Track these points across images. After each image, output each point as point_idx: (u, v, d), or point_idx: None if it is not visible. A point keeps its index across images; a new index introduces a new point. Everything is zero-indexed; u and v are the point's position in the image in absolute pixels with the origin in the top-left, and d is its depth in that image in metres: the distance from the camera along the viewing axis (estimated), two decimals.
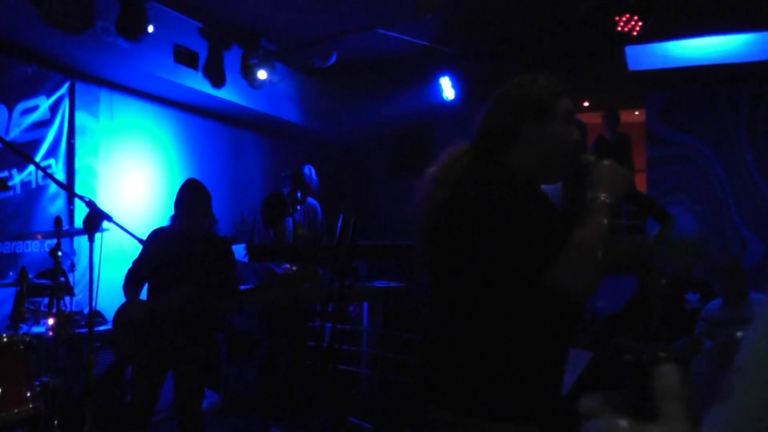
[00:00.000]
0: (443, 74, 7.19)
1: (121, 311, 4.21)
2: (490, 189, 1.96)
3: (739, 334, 4.87)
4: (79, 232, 3.90)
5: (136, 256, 4.37)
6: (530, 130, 2.07)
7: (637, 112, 9.91)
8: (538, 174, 2.08)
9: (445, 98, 7.27)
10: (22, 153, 4.33)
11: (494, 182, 1.97)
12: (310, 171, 5.89)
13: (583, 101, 9.63)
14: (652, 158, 8.51)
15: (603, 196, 1.89)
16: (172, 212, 4.33)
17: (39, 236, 4.19)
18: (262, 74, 6.68)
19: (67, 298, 4.57)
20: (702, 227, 8.15)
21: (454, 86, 7.22)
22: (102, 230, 3.56)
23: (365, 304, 6.37)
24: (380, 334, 6.73)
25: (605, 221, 1.85)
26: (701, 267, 7.17)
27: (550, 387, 2.03)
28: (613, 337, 5.57)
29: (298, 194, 5.80)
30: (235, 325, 6.77)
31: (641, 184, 8.27)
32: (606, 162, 1.98)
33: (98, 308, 5.51)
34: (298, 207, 5.89)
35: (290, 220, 5.84)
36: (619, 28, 5.27)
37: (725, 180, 8.12)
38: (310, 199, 6.10)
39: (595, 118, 10.05)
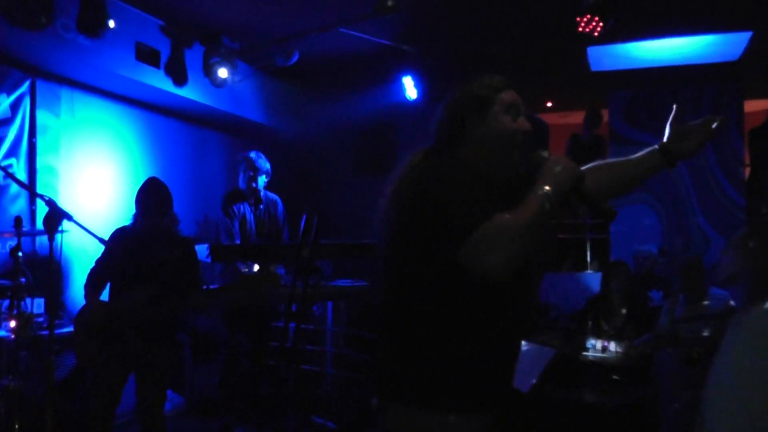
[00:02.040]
0: (406, 74, 7.20)
1: (82, 313, 4.17)
2: (423, 176, 2.02)
3: (706, 333, 4.97)
4: (40, 232, 3.85)
5: (98, 256, 4.32)
6: (474, 126, 2.13)
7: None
8: (489, 168, 2.12)
9: (408, 98, 7.28)
10: None
11: (426, 171, 2.04)
12: (257, 154, 5.86)
13: (547, 102, 9.71)
14: (614, 157, 8.60)
15: (543, 188, 1.89)
16: (134, 211, 4.29)
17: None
18: (223, 72, 6.63)
19: (29, 300, 4.51)
20: (665, 225, 8.27)
21: (416, 86, 7.23)
22: (62, 231, 3.52)
23: (329, 304, 6.36)
24: (344, 333, 6.73)
25: (535, 210, 1.85)
26: (664, 265, 7.28)
27: (491, 377, 2.05)
28: (576, 335, 5.63)
29: (250, 174, 5.75)
30: (200, 326, 6.72)
31: None
32: (553, 156, 2.02)
33: (68, 310, 5.46)
34: (257, 194, 5.84)
35: (251, 215, 5.81)
36: (581, 29, 5.31)
37: (688, 178, 8.23)
38: (269, 193, 6.07)
39: (559, 119, 10.15)
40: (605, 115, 8.98)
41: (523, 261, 1.85)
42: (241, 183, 5.80)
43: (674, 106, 2.32)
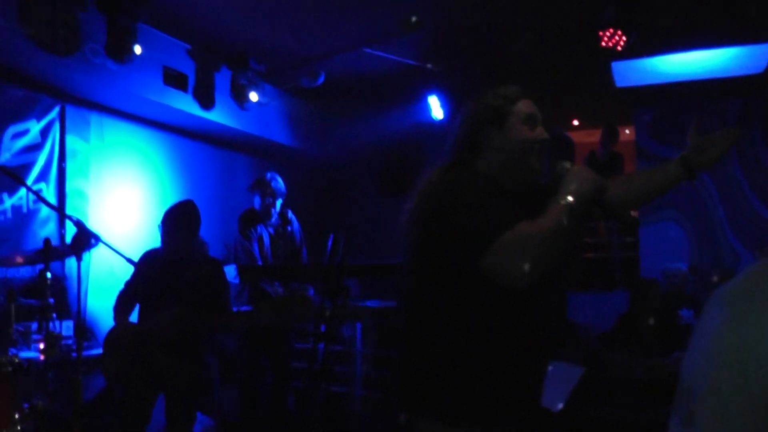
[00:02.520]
0: (431, 93, 7.21)
1: (111, 334, 4.20)
2: (442, 188, 2.05)
3: None
4: (68, 253, 3.89)
5: (128, 277, 4.35)
6: (492, 137, 2.15)
7: (627, 131, 9.97)
8: (509, 179, 2.15)
9: (433, 117, 7.28)
10: (13, 175, 4.33)
11: (447, 184, 2.06)
12: (272, 175, 5.84)
13: (573, 120, 9.68)
14: None
15: (565, 198, 1.91)
16: (161, 232, 4.32)
17: (20, 259, 4.17)
18: (253, 96, 6.71)
19: (59, 323, 4.55)
20: (694, 242, 8.18)
21: (442, 105, 7.23)
22: (91, 247, 3.55)
23: (358, 325, 6.34)
24: (373, 354, 6.69)
25: (558, 219, 1.86)
26: (694, 283, 7.19)
27: (517, 390, 2.05)
28: (606, 354, 5.56)
29: (268, 200, 5.73)
30: (228, 347, 6.73)
31: None
32: (576, 166, 2.03)
33: (94, 332, 5.50)
34: (273, 216, 5.80)
35: (267, 236, 5.77)
36: (604, 44, 5.30)
37: (716, 194, 8.15)
38: (286, 211, 6.01)
39: (585, 137, 10.10)
40: (632, 132, 8.94)
41: (545, 270, 1.85)
42: (257, 205, 5.76)
43: (694, 119, 2.32)
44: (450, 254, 1.96)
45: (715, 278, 5.48)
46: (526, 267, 1.80)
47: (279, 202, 5.77)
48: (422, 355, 2.06)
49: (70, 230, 3.67)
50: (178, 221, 4.28)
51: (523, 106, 2.16)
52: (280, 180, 5.78)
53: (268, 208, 5.69)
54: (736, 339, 1.00)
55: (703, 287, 7.57)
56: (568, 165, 2.04)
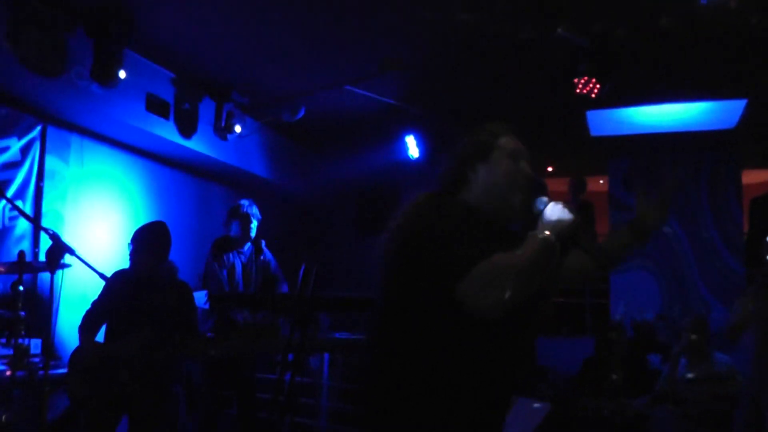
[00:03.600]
0: (408, 132, 7.31)
1: (77, 354, 4.17)
2: (421, 214, 2.04)
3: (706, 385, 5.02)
4: (42, 267, 3.89)
5: (95, 297, 4.34)
6: (476, 172, 2.18)
7: (601, 181, 10.12)
8: (491, 212, 2.16)
9: (410, 156, 7.37)
10: None
11: (427, 209, 2.06)
12: (250, 202, 5.82)
13: (548, 166, 9.82)
14: (615, 224, 8.67)
15: (543, 232, 1.94)
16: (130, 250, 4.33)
17: (1, 269, 4.16)
18: (236, 128, 6.79)
19: (27, 340, 4.51)
20: (665, 292, 8.28)
21: (419, 144, 7.33)
22: (64, 266, 3.56)
23: (326, 357, 6.33)
24: (340, 388, 6.68)
25: (534, 252, 1.89)
26: (662, 329, 7.27)
27: (485, 425, 2.06)
28: (574, 397, 5.59)
29: (246, 225, 5.71)
30: (194, 378, 6.68)
31: None
32: (553, 202, 2.06)
33: (59, 351, 5.45)
34: (248, 243, 5.81)
35: (239, 265, 5.76)
36: (578, 90, 5.43)
37: (687, 245, 8.29)
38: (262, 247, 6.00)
39: (559, 185, 10.24)
40: (605, 182, 9.09)
41: (518, 301, 1.85)
42: (234, 231, 5.75)
43: (639, 187, 2.43)
44: (424, 280, 1.95)
45: (690, 319, 5.57)
46: (500, 296, 1.81)
47: (254, 226, 5.76)
48: (389, 384, 2.04)
49: (45, 247, 3.69)
50: (147, 241, 4.30)
51: (508, 141, 2.20)
52: (256, 207, 5.80)
53: (245, 233, 5.68)
54: None
55: (673, 334, 7.66)
56: (546, 200, 2.09)
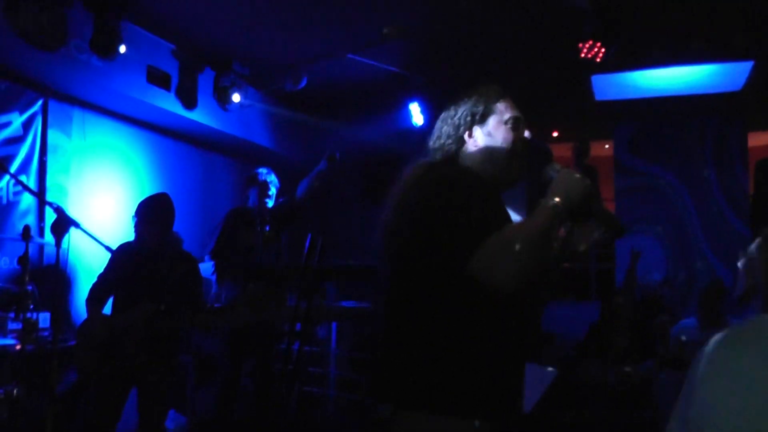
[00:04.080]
0: (412, 100, 7.26)
1: (84, 327, 4.18)
2: (431, 185, 2.03)
3: None
4: (48, 241, 3.89)
5: (101, 270, 4.35)
6: (473, 134, 2.19)
7: (606, 146, 10.07)
8: (492, 177, 2.15)
9: (414, 124, 7.34)
10: None
11: (436, 179, 2.05)
12: (268, 171, 5.78)
13: (553, 131, 9.77)
14: (620, 188, 8.66)
15: (552, 200, 1.92)
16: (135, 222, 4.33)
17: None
18: (235, 97, 6.73)
19: (35, 315, 4.53)
20: (670, 256, 8.28)
21: (423, 112, 7.28)
22: (70, 240, 3.55)
23: (333, 326, 6.36)
24: (348, 356, 6.72)
25: (544, 221, 1.88)
26: (668, 295, 7.28)
27: (509, 384, 2.06)
28: (580, 362, 5.62)
29: (265, 194, 5.69)
30: (204, 348, 6.73)
31: None
32: (565, 169, 2.05)
33: (67, 324, 5.48)
34: (268, 210, 5.74)
35: (256, 232, 5.72)
36: (583, 55, 5.38)
37: (692, 210, 8.27)
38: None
39: (564, 150, 10.20)
40: (611, 147, 9.04)
41: (532, 274, 1.85)
42: (252, 200, 5.71)
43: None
44: (438, 253, 1.93)
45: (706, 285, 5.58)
46: (511, 272, 1.79)
47: (273, 194, 5.71)
48: (411, 350, 2.03)
49: (50, 221, 3.68)
50: (152, 213, 4.29)
51: (504, 106, 2.20)
52: (273, 174, 5.76)
53: (263, 202, 5.66)
54: None
55: (678, 298, 7.68)
56: (557, 167, 2.07)
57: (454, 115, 2.23)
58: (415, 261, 2.03)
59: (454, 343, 1.98)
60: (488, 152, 2.17)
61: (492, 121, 2.18)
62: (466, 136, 2.20)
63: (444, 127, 2.25)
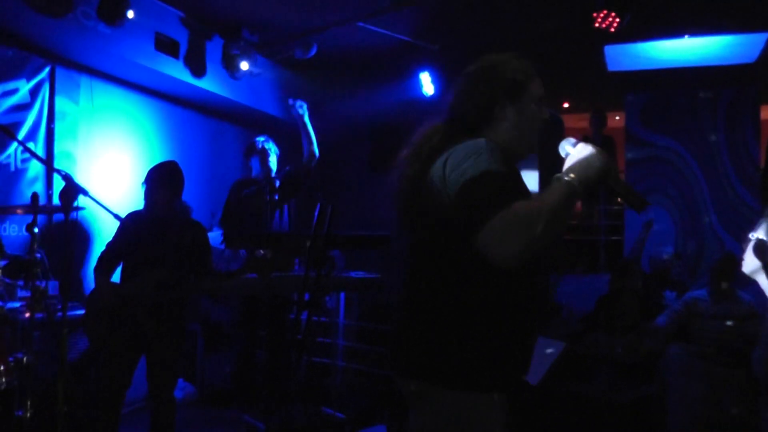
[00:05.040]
0: (423, 69, 7.19)
1: (93, 295, 4.19)
2: (462, 152, 1.98)
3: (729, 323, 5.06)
4: (56, 209, 3.88)
5: (110, 238, 4.35)
6: (505, 110, 2.15)
7: (617, 117, 10.01)
8: (510, 151, 2.13)
9: (424, 93, 7.28)
10: (4, 129, 4.31)
11: (464, 152, 1.99)
12: (266, 138, 5.78)
13: (564, 102, 9.71)
14: (630, 159, 8.60)
15: (568, 175, 1.88)
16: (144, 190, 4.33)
17: (18, 211, 4.20)
18: (244, 65, 6.67)
19: (44, 283, 4.53)
20: (680, 229, 8.24)
21: (433, 81, 7.22)
22: (78, 207, 3.54)
23: (341, 297, 6.37)
24: (356, 326, 6.74)
25: (558, 197, 1.83)
26: (679, 268, 7.26)
27: (516, 358, 2.05)
28: (588, 334, 5.62)
29: (266, 161, 5.69)
30: (212, 316, 6.76)
31: None
32: (581, 144, 2.01)
33: (77, 292, 5.50)
34: (271, 177, 5.73)
35: (262, 200, 5.70)
36: (597, 25, 5.31)
37: (703, 182, 8.21)
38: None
39: (574, 121, 10.14)
40: (622, 118, 8.97)
41: (540, 248, 1.81)
42: (255, 170, 5.73)
43: None
44: (457, 225, 1.91)
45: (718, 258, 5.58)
46: (518, 248, 1.75)
47: (274, 160, 5.72)
48: (434, 323, 2.02)
49: (58, 189, 3.66)
50: (161, 180, 4.28)
51: (537, 85, 2.17)
52: (271, 141, 5.77)
53: (266, 168, 5.67)
54: None
55: (688, 272, 7.66)
56: (573, 141, 2.03)
57: (485, 84, 2.16)
58: (436, 236, 2.03)
59: (475, 317, 1.98)
60: (517, 128, 2.15)
61: (525, 99, 2.15)
62: (495, 109, 2.15)
63: (470, 93, 2.18)
